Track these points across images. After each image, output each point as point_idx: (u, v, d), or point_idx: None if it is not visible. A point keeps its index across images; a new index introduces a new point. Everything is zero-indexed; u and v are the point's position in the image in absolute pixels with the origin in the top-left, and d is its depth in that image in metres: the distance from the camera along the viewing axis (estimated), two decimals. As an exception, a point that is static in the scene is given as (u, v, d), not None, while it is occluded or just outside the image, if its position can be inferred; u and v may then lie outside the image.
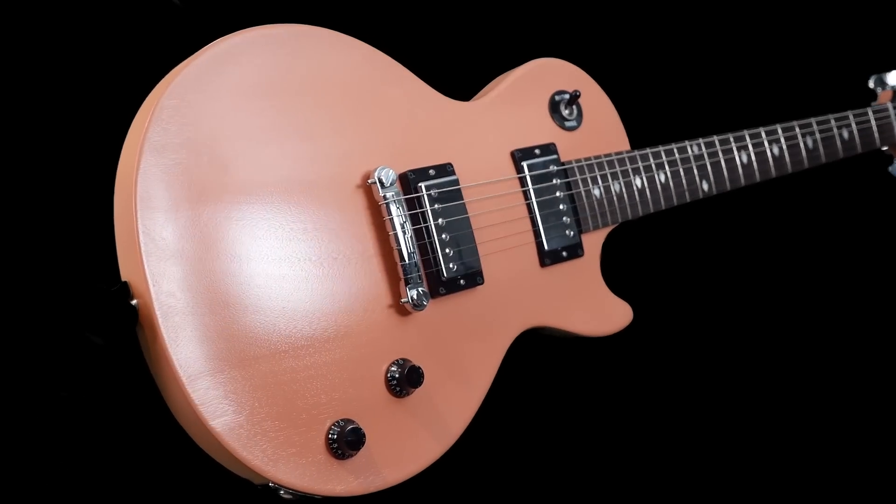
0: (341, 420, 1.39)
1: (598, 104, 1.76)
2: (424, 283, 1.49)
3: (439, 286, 1.50)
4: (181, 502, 1.51)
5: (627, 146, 1.79)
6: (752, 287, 2.17)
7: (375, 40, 1.56)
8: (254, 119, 1.40)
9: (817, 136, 1.98)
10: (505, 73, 1.71)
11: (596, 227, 1.70)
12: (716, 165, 1.84)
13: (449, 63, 1.90)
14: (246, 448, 1.32)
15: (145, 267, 1.29)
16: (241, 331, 1.34)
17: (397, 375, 1.44)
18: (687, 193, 1.81)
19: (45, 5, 1.63)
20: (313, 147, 1.44)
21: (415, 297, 1.45)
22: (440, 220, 1.52)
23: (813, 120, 1.98)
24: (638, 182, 1.75)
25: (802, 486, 1.81)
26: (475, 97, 1.69)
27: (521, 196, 1.63)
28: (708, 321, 2.08)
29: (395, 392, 1.44)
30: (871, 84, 2.14)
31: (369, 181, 1.46)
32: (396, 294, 1.47)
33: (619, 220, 1.74)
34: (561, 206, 1.66)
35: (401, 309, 1.47)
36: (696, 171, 1.81)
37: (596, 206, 1.70)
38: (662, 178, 1.78)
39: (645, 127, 1.86)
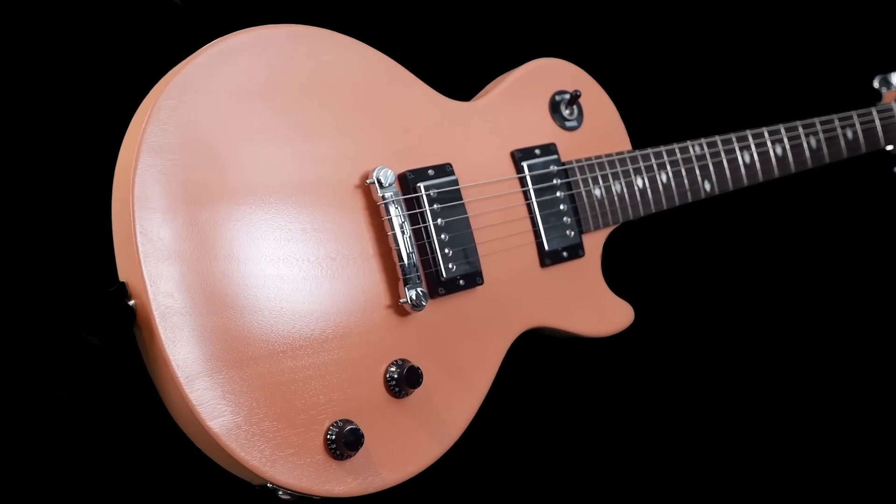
0: (340, 420, 1.39)
1: (598, 104, 1.76)
2: (423, 283, 1.48)
3: (438, 286, 1.50)
4: (179, 503, 1.51)
5: (629, 146, 1.78)
6: (754, 288, 2.16)
7: (376, 41, 1.56)
8: (252, 119, 1.40)
9: (821, 135, 1.98)
10: (505, 74, 1.71)
11: (597, 228, 1.70)
12: (718, 165, 1.83)
13: (449, 63, 1.90)
14: (244, 449, 1.32)
15: (143, 267, 1.29)
16: (239, 331, 1.34)
17: (396, 376, 1.43)
18: (689, 193, 1.80)
19: (45, 5, 1.63)
20: (312, 147, 1.44)
21: (413, 297, 1.45)
22: (439, 221, 1.52)
23: (816, 120, 1.98)
24: (639, 182, 1.74)
25: (803, 486, 1.80)
26: (475, 97, 1.68)
27: (521, 196, 1.62)
28: (710, 322, 2.07)
29: (394, 392, 1.44)
30: (875, 84, 2.13)
31: (368, 181, 1.46)
32: (395, 294, 1.46)
33: (621, 221, 1.73)
34: (561, 207, 1.65)
35: (400, 309, 1.47)
36: (698, 171, 1.81)
37: (597, 207, 1.69)
38: (664, 178, 1.77)
39: (646, 127, 1.86)
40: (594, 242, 1.70)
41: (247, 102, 1.40)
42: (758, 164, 1.88)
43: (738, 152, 1.86)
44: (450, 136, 1.58)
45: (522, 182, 1.63)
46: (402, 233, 1.45)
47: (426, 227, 1.50)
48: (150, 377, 1.34)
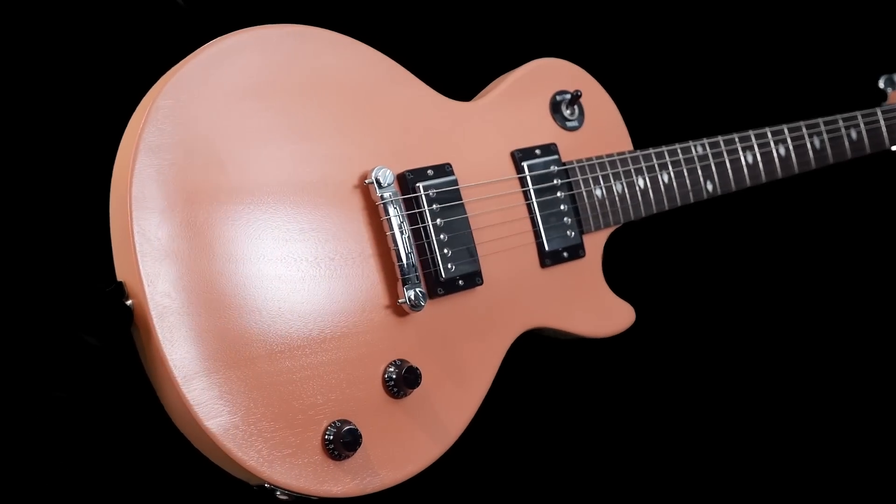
0: (338, 421, 1.38)
1: (600, 104, 1.75)
2: (422, 283, 1.48)
3: (437, 287, 1.50)
4: (177, 503, 1.51)
5: (630, 146, 1.78)
6: (756, 289, 2.15)
7: (376, 41, 1.55)
8: (250, 119, 1.40)
9: (825, 136, 1.97)
10: (506, 74, 1.71)
11: (598, 228, 1.69)
12: (720, 166, 1.83)
13: (450, 63, 1.90)
14: (241, 449, 1.31)
15: (140, 267, 1.29)
16: (237, 331, 1.34)
17: (395, 376, 1.43)
18: (691, 194, 1.79)
19: (47, 6, 1.63)
20: (310, 147, 1.44)
21: (412, 297, 1.45)
22: (438, 221, 1.51)
23: (820, 120, 1.97)
24: (641, 182, 1.74)
25: (803, 486, 1.80)
26: (476, 97, 1.68)
27: (521, 196, 1.62)
28: (711, 323, 2.07)
29: (393, 393, 1.44)
30: (881, 84, 2.12)
31: (367, 181, 1.46)
32: (394, 294, 1.46)
33: (622, 221, 1.72)
34: (562, 207, 1.65)
35: (398, 309, 1.47)
36: (700, 172, 1.80)
37: (598, 207, 1.69)
38: (666, 178, 1.76)
39: (648, 127, 1.85)
40: (595, 243, 1.70)
41: (245, 102, 1.40)
42: (761, 165, 1.88)
43: (740, 152, 1.85)
44: (450, 137, 1.58)
45: (523, 182, 1.62)
46: (401, 233, 1.45)
47: (425, 227, 1.50)
48: (148, 377, 1.34)
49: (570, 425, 1.82)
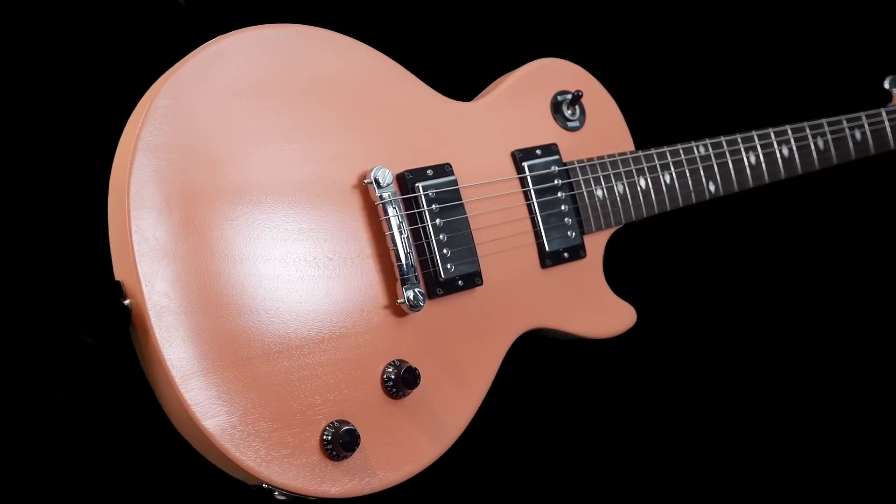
0: (336, 421, 1.38)
1: (601, 104, 1.75)
2: (421, 283, 1.48)
3: (437, 287, 1.50)
4: (175, 503, 1.51)
5: (632, 147, 1.77)
6: (758, 290, 2.15)
7: (377, 41, 1.55)
8: (249, 119, 1.40)
9: (829, 136, 1.96)
10: (507, 74, 1.70)
11: (599, 229, 1.69)
12: (723, 166, 1.82)
13: (451, 63, 1.89)
14: (239, 449, 1.31)
15: (138, 267, 1.29)
16: (235, 331, 1.34)
17: (393, 377, 1.43)
18: (693, 195, 1.79)
19: (49, 6, 1.63)
20: (309, 147, 1.43)
21: (411, 297, 1.44)
22: (438, 221, 1.51)
23: (824, 121, 1.96)
24: (642, 183, 1.73)
25: (804, 487, 1.79)
26: (476, 97, 1.68)
27: (521, 196, 1.62)
28: (713, 324, 2.06)
29: (392, 393, 1.44)
30: (886, 85, 2.11)
31: (366, 181, 1.45)
32: (393, 295, 1.46)
33: (623, 222, 1.72)
34: (563, 207, 1.64)
35: (397, 310, 1.46)
36: (702, 172, 1.79)
37: (599, 207, 1.69)
38: (667, 178, 1.76)
39: (650, 127, 1.85)
40: (596, 243, 1.69)
41: (244, 102, 1.40)
42: (763, 166, 1.87)
43: (743, 153, 1.84)
44: (450, 137, 1.57)
45: (523, 182, 1.62)
46: (400, 233, 1.45)
47: (424, 228, 1.50)
48: (146, 377, 1.33)
49: (571, 426, 1.81)
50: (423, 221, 1.50)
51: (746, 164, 1.85)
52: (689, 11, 2.21)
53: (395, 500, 1.46)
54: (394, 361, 1.44)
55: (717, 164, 1.81)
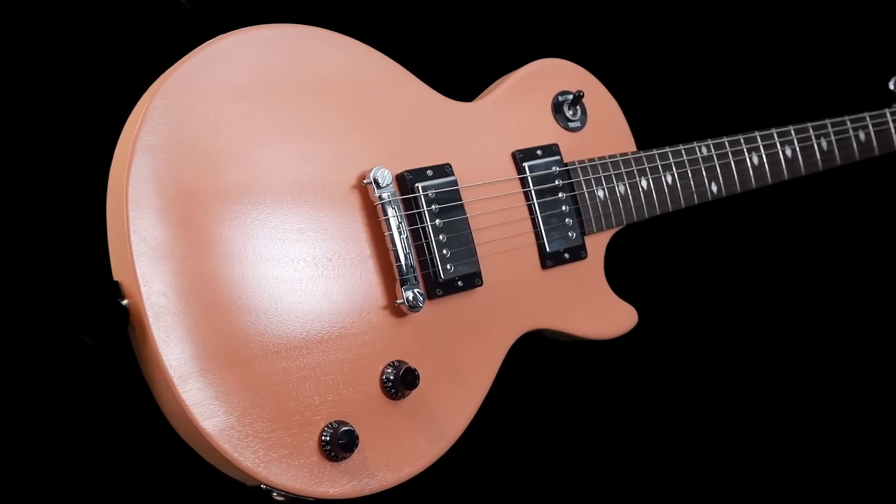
0: (335, 422, 1.38)
1: (602, 105, 1.75)
2: (421, 284, 1.47)
3: (436, 287, 1.49)
4: (173, 503, 1.51)
5: (633, 147, 1.77)
6: (760, 292, 2.14)
7: (378, 41, 1.55)
8: (247, 119, 1.39)
9: (832, 137, 1.95)
10: (508, 74, 1.70)
11: (600, 229, 1.68)
12: (725, 167, 1.81)
13: (452, 64, 1.89)
14: (237, 449, 1.31)
15: (136, 267, 1.29)
16: (233, 331, 1.33)
17: (392, 377, 1.43)
18: (695, 195, 1.78)
19: (49, 6, 1.63)
20: (308, 147, 1.43)
21: (410, 298, 1.44)
22: (437, 221, 1.51)
23: (828, 121, 1.95)
24: (644, 183, 1.73)
25: (804, 487, 1.79)
26: (477, 98, 1.67)
27: (522, 197, 1.61)
28: (715, 326, 2.05)
29: (391, 394, 1.43)
30: (891, 85, 2.10)
31: (365, 181, 1.45)
32: (392, 295, 1.46)
33: (625, 222, 1.72)
34: (563, 208, 1.64)
35: (397, 310, 1.46)
36: (704, 173, 1.79)
37: (600, 208, 1.68)
38: (669, 179, 1.75)
39: (652, 128, 1.84)
40: (597, 244, 1.69)
41: (242, 102, 1.40)
42: (766, 167, 1.86)
43: (746, 154, 1.84)
44: (450, 137, 1.57)
45: (524, 183, 1.62)
46: (400, 233, 1.45)
47: (424, 228, 1.50)
48: (144, 377, 1.33)
49: (572, 428, 1.81)
50: (422, 222, 1.50)
51: (749, 164, 1.84)
52: (691, 11, 2.20)
53: (394, 501, 1.46)
54: (393, 362, 1.44)
55: (720, 165, 1.81)
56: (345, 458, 1.38)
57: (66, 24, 1.65)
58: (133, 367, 1.33)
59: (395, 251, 1.44)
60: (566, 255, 1.64)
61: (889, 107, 2.07)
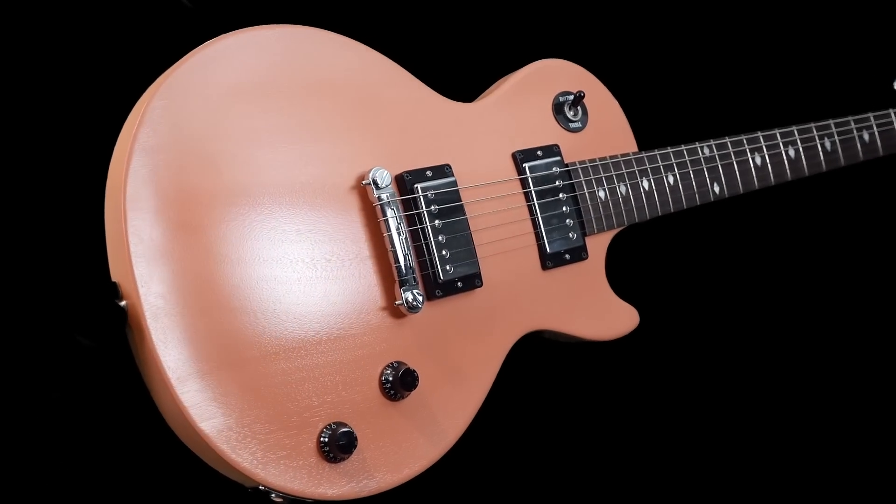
0: (333, 423, 1.38)
1: (604, 105, 1.74)
2: (420, 285, 1.47)
3: (436, 288, 1.49)
4: (171, 504, 1.51)
5: (635, 147, 1.76)
6: (762, 293, 2.13)
7: (378, 42, 1.55)
8: (246, 120, 1.39)
9: (836, 138, 1.95)
10: (508, 75, 1.70)
11: (601, 230, 1.68)
12: (728, 168, 1.81)
13: (453, 65, 1.89)
14: (235, 451, 1.31)
15: (134, 268, 1.29)
16: (232, 332, 1.33)
17: (391, 378, 1.42)
18: (697, 196, 1.77)
19: (52, 6, 1.64)
20: (307, 148, 1.43)
21: (409, 299, 1.44)
22: (437, 222, 1.50)
23: (831, 122, 1.95)
24: (645, 184, 1.72)
25: (805, 487, 1.78)
26: (478, 98, 1.67)
27: (522, 198, 1.61)
28: (716, 327, 2.05)
29: (390, 395, 1.43)
30: (895, 85, 2.09)
31: (364, 182, 1.45)
32: (391, 296, 1.45)
33: (626, 223, 1.71)
34: (564, 209, 1.63)
35: (396, 311, 1.46)
36: (706, 174, 1.78)
37: (601, 209, 1.68)
38: (671, 180, 1.75)
39: (654, 128, 1.83)
40: (598, 245, 1.69)
41: (241, 103, 1.40)
42: (769, 167, 1.86)
43: (748, 154, 1.83)
44: (450, 138, 1.57)
45: (524, 183, 1.61)
46: (399, 234, 1.44)
47: (423, 229, 1.49)
48: (142, 378, 1.33)
49: (572, 430, 1.81)
50: (421, 223, 1.49)
51: (752, 165, 1.84)
52: (693, 10, 2.19)
53: (394, 502, 1.45)
54: (392, 363, 1.44)
55: (722, 166, 1.80)
56: (343, 459, 1.38)
57: (67, 25, 1.65)
58: (131, 368, 1.33)
59: (394, 252, 1.44)
60: (567, 256, 1.63)
61: (893, 107, 2.06)
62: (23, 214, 1.54)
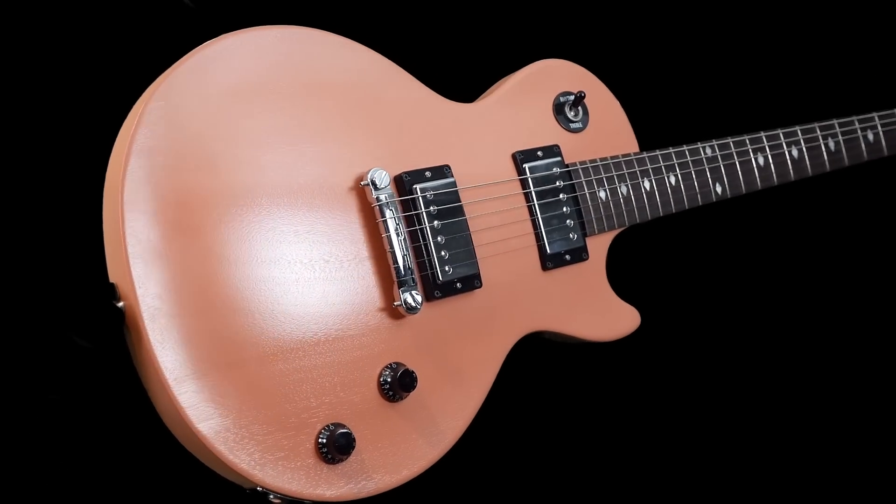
0: (331, 424, 1.38)
1: (604, 105, 1.74)
2: (419, 286, 1.47)
3: (434, 289, 1.49)
4: (169, 505, 1.51)
5: (636, 148, 1.75)
6: (764, 294, 2.12)
7: (379, 43, 1.55)
8: (244, 121, 1.39)
9: (840, 137, 1.94)
10: (509, 75, 1.69)
11: (602, 231, 1.67)
12: (730, 168, 1.80)
13: (453, 65, 1.88)
14: (233, 452, 1.31)
15: (132, 269, 1.29)
16: (230, 334, 1.33)
17: (390, 379, 1.42)
18: (699, 196, 1.77)
19: (53, 7, 1.64)
20: (305, 149, 1.43)
21: (408, 300, 1.43)
22: (436, 223, 1.50)
23: (835, 121, 1.94)
24: (646, 184, 1.72)
25: (806, 488, 1.78)
26: (478, 99, 1.67)
27: (522, 198, 1.61)
28: (718, 328, 2.04)
29: (388, 396, 1.43)
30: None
31: (362, 183, 1.45)
32: (390, 297, 1.45)
33: (627, 224, 1.70)
34: (564, 209, 1.63)
35: (394, 312, 1.46)
36: (708, 174, 1.77)
37: (601, 209, 1.67)
38: (673, 180, 1.74)
39: (656, 128, 1.83)
40: (599, 245, 1.68)
41: (239, 104, 1.39)
42: (772, 167, 1.85)
43: (751, 154, 1.82)
44: (449, 138, 1.57)
45: (524, 184, 1.61)
46: (397, 235, 1.44)
47: (422, 230, 1.49)
48: (140, 379, 1.33)
49: (573, 431, 1.80)
50: (420, 223, 1.49)
51: (754, 165, 1.83)
52: (695, 9, 2.18)
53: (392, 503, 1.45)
54: (391, 364, 1.43)
55: (725, 166, 1.79)
56: (342, 460, 1.37)
57: (66, 24, 1.65)
58: (129, 369, 1.33)
59: (393, 253, 1.44)
60: (567, 257, 1.63)
61: (899, 107, 2.05)
62: (21, 215, 1.54)
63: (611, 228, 1.69)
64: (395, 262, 1.44)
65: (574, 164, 1.66)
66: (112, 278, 1.32)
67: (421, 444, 1.45)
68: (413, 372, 1.42)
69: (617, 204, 1.69)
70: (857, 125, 1.97)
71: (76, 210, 1.50)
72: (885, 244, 2.23)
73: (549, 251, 1.61)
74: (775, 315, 2.09)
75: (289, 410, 1.36)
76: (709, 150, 1.78)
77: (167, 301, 1.30)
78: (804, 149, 1.89)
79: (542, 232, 1.60)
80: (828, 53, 2.27)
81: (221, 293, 1.34)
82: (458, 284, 1.51)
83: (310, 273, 1.40)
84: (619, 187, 1.69)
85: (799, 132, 1.89)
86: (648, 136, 1.78)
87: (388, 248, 1.44)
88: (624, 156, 1.71)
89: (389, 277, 1.45)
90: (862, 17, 2.30)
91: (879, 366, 2.04)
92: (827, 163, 1.92)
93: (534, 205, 1.61)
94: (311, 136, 1.44)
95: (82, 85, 1.64)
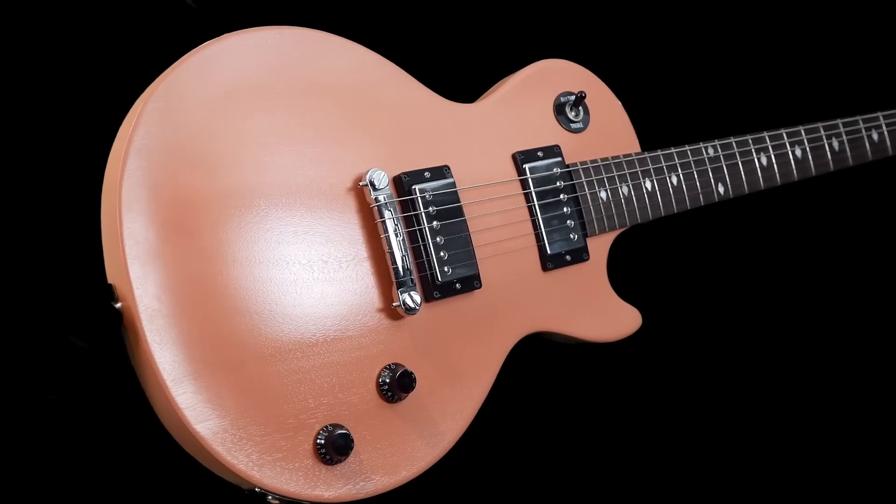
0: (330, 425, 1.38)
1: (606, 105, 1.73)
2: (418, 286, 1.47)
3: (434, 290, 1.48)
4: (168, 506, 1.52)
5: (637, 148, 1.75)
6: (766, 295, 2.12)
7: (379, 43, 1.55)
8: (243, 122, 1.39)
9: (844, 137, 1.93)
10: (509, 75, 1.69)
11: (602, 231, 1.67)
12: (732, 168, 1.79)
13: (453, 65, 1.88)
14: (230, 453, 1.31)
15: (129, 269, 1.29)
16: (228, 334, 1.33)
17: (388, 380, 1.42)
18: (701, 197, 1.76)
19: (54, 7, 1.64)
20: (304, 149, 1.43)
21: (407, 301, 1.43)
22: (435, 223, 1.50)
23: (839, 121, 1.93)
24: (648, 185, 1.71)
25: (806, 489, 1.77)
26: (479, 99, 1.66)
27: (522, 199, 1.60)
28: (720, 328, 2.03)
29: (387, 397, 1.43)
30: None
31: (361, 184, 1.44)
32: (389, 298, 1.45)
33: (628, 224, 1.70)
34: (565, 210, 1.63)
35: (393, 313, 1.45)
36: (710, 174, 1.77)
37: (602, 210, 1.67)
38: (674, 180, 1.74)
39: (657, 128, 1.82)
40: (600, 246, 1.68)
41: (238, 105, 1.39)
42: (775, 167, 1.84)
43: (754, 154, 1.82)
44: (449, 139, 1.56)
45: (524, 184, 1.61)
46: (396, 236, 1.44)
47: (421, 230, 1.49)
48: (137, 380, 1.33)
49: (573, 431, 1.80)
50: (419, 224, 1.49)
51: (757, 165, 1.82)
52: (697, 9, 2.18)
53: (391, 505, 1.45)
54: (389, 365, 1.43)
55: (727, 166, 1.79)
56: (340, 461, 1.37)
57: (66, 24, 1.65)
58: (127, 370, 1.34)
59: (392, 254, 1.44)
60: (567, 257, 1.62)
61: (903, 106, 2.04)
62: (19, 215, 1.55)
63: (612, 229, 1.68)
64: (394, 262, 1.44)
65: (575, 165, 1.66)
66: (110, 279, 1.32)
67: (420, 445, 1.45)
68: (412, 373, 1.42)
69: (618, 204, 1.68)
70: (861, 125, 1.96)
71: (75, 210, 1.50)
72: (888, 245, 2.22)
73: (549, 252, 1.60)
74: (777, 316, 2.08)
75: (287, 411, 1.35)
76: (711, 150, 1.78)
77: (165, 302, 1.30)
78: (808, 149, 1.88)
79: (542, 232, 1.60)
80: (832, 53, 2.26)
81: (220, 294, 1.34)
82: (457, 285, 1.50)
83: (308, 274, 1.40)
84: (621, 187, 1.69)
85: (802, 132, 1.88)
86: (650, 135, 1.77)
87: (386, 248, 1.44)
88: (625, 156, 1.70)
89: (388, 278, 1.45)
90: (866, 16, 2.29)
91: (880, 366, 2.03)
92: (831, 163, 1.92)
93: (534, 205, 1.60)
94: (311, 137, 1.44)
95: (82, 85, 1.64)
